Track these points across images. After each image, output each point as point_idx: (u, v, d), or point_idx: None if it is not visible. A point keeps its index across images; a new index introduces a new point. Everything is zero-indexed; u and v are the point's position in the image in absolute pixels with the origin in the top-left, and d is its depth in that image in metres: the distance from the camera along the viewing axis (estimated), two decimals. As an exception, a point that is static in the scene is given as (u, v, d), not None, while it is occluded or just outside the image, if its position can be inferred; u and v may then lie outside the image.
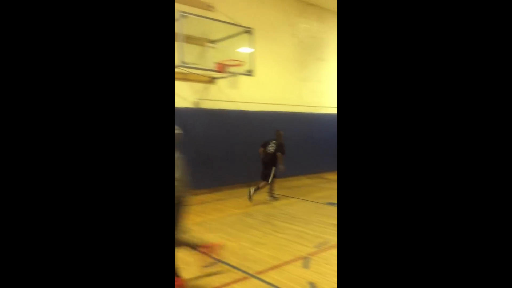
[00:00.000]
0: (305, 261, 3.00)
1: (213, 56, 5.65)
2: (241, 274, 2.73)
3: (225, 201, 5.67)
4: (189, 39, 5.32)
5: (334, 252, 3.24)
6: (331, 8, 8.47)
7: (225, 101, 6.57)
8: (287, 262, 2.97)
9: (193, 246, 2.67)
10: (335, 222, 4.32)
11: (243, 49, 6.05)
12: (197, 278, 2.66)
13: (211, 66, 5.59)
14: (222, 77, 6.02)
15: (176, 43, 4.69)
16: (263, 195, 6.16)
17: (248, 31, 5.86)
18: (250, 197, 5.39)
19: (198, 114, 6.25)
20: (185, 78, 5.94)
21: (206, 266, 2.78)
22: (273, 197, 5.68)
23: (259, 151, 5.77)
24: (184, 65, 5.05)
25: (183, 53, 4.95)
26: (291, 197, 5.95)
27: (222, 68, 5.63)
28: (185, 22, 4.99)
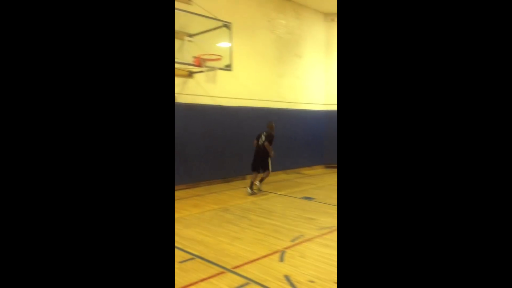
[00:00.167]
0: (281, 254, 3.08)
1: (191, 50, 5.58)
2: (218, 269, 2.77)
3: (202, 197, 5.66)
4: (166, 32, 5.21)
5: (309, 246, 3.34)
6: (309, 5, 8.56)
7: (203, 95, 6.53)
8: (264, 256, 3.04)
9: None
10: (311, 216, 4.44)
11: (222, 44, 6.02)
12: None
13: (189, 60, 5.52)
14: (200, 72, 5.97)
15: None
16: (241, 190, 6.21)
17: (226, 25, 5.83)
18: (259, 190, 5.76)
19: (176, 109, 6.17)
20: (162, 72, 5.82)
21: (182, 262, 2.79)
22: (252, 190, 5.76)
23: (253, 143, 5.96)
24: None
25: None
26: (268, 192, 6.03)
27: (200, 62, 5.58)
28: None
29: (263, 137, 5.78)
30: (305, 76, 8.76)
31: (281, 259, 2.97)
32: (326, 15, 9.18)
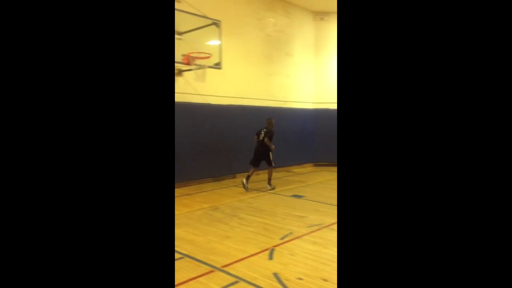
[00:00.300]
0: (270, 252, 3.10)
1: (180, 48, 5.54)
2: (207, 268, 2.77)
3: (192, 196, 5.65)
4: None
5: (298, 243, 3.37)
6: (298, 4, 8.58)
7: (192, 94, 6.49)
8: (253, 255, 3.05)
9: None
10: (300, 214, 4.48)
11: (211, 42, 5.99)
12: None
13: (178, 58, 5.48)
14: (189, 70, 5.93)
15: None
16: (232, 189, 6.21)
17: (215, 23, 5.81)
18: (246, 188, 5.84)
19: (165, 107, 6.12)
20: (151, 70, 5.76)
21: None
22: (245, 186, 5.87)
23: (254, 139, 6.21)
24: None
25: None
26: (258, 190, 6.05)
27: (189, 60, 5.55)
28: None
29: (263, 133, 5.99)
30: (295, 75, 8.79)
31: (270, 257, 2.99)
32: (315, 13, 9.22)
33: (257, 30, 7.76)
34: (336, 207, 4.84)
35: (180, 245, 3.28)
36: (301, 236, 3.57)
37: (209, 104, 6.80)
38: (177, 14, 5.40)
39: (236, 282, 2.52)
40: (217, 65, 5.88)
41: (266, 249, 3.17)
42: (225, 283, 2.50)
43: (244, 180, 5.90)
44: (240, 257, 3.00)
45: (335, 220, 4.14)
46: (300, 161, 8.96)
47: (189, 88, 6.43)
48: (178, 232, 3.69)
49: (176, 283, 2.50)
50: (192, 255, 3.04)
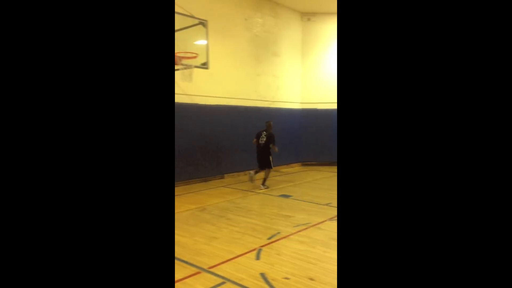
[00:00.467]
0: (257, 253, 3.10)
1: (166, 48, 5.47)
2: (193, 269, 2.75)
3: (180, 197, 5.59)
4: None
5: (285, 243, 3.38)
6: (285, 4, 8.62)
7: (179, 94, 6.43)
8: (240, 255, 3.04)
9: None
10: (287, 213, 4.49)
11: (198, 42, 5.95)
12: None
13: (164, 58, 5.41)
14: (176, 70, 5.87)
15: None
16: (219, 190, 6.18)
17: (202, 23, 5.77)
18: (252, 180, 6.26)
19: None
20: (136, 69, 5.69)
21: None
22: (265, 185, 6.20)
23: (253, 141, 6.39)
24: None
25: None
26: (246, 190, 6.04)
27: (175, 60, 5.49)
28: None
29: (264, 137, 6.18)
30: (282, 75, 8.82)
31: (257, 257, 2.99)
32: (302, 14, 9.28)
33: (245, 30, 7.76)
34: (323, 206, 4.88)
35: (166, 247, 3.24)
36: (288, 235, 3.58)
37: (196, 104, 6.76)
38: (163, 13, 5.33)
39: (222, 283, 2.50)
40: (204, 65, 5.84)
41: (253, 249, 3.17)
42: (212, 284, 2.48)
43: (262, 186, 6.21)
44: (227, 257, 2.99)
45: (322, 219, 4.17)
46: (288, 161, 8.99)
47: (176, 88, 6.37)
48: (165, 233, 3.64)
49: (161, 285, 2.47)
50: (178, 256, 3.01)
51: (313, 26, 9.31)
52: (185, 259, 2.95)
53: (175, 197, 5.57)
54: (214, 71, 6.63)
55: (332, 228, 3.84)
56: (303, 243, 3.34)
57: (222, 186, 6.48)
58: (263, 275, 2.62)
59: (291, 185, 6.57)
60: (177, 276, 2.62)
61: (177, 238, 3.53)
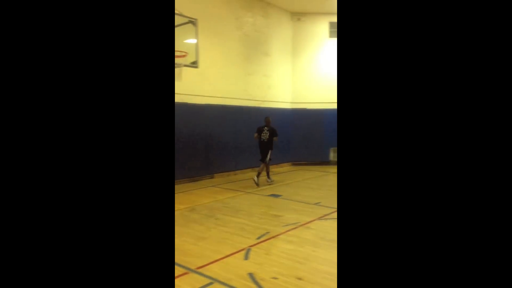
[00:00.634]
0: (246, 253, 3.08)
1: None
2: (181, 270, 2.71)
3: (168, 196, 5.53)
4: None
5: (274, 242, 3.37)
6: (276, 4, 8.62)
7: (169, 93, 6.36)
8: (228, 255, 3.02)
9: None
10: (277, 213, 4.49)
11: (187, 41, 5.90)
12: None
13: (153, 56, 5.35)
14: (165, 69, 5.80)
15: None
16: (209, 189, 6.14)
17: (192, 22, 5.72)
18: (257, 184, 6.26)
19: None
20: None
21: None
22: (270, 179, 6.58)
23: (254, 136, 6.55)
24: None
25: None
26: (236, 190, 6.02)
27: (164, 59, 5.43)
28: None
29: (266, 132, 6.39)
30: (273, 75, 8.83)
31: (246, 257, 2.98)
32: (293, 14, 9.30)
33: (235, 29, 7.73)
34: (313, 205, 4.90)
35: (153, 248, 3.20)
36: (277, 235, 3.58)
37: (186, 103, 6.70)
38: (151, 11, 5.27)
39: (210, 284, 2.48)
40: (194, 64, 5.79)
41: (242, 249, 3.15)
42: (199, 285, 2.46)
43: (268, 179, 6.51)
44: (215, 258, 2.96)
45: (311, 218, 4.18)
46: (278, 161, 9.00)
47: (165, 87, 6.30)
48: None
49: (148, 286, 2.44)
50: (166, 257, 2.97)
51: (304, 26, 9.34)
52: (173, 260, 2.92)
53: (164, 197, 5.51)
54: (204, 70, 6.59)
55: (321, 227, 3.86)
56: (292, 243, 3.34)
57: (212, 186, 6.45)
58: (251, 275, 2.60)
59: (281, 185, 6.58)
60: (164, 277, 2.59)
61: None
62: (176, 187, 6.33)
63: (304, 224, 3.97)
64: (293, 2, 8.63)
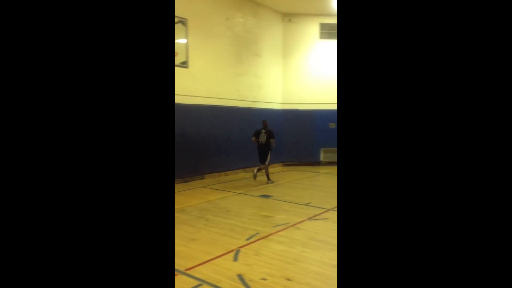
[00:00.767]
0: (236, 254, 3.07)
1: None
2: (170, 272, 2.69)
3: (158, 198, 5.48)
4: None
5: (263, 243, 3.37)
6: (266, 4, 8.63)
7: (159, 93, 6.31)
8: (218, 256, 3.01)
9: None
10: (267, 213, 4.49)
11: (177, 40, 5.86)
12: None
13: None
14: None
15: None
16: (199, 190, 6.11)
17: (182, 21, 5.69)
18: (255, 177, 6.58)
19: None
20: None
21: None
22: (270, 180, 6.70)
23: (252, 140, 6.75)
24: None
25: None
26: (227, 191, 6.00)
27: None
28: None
29: (263, 135, 6.55)
30: (264, 75, 8.83)
31: (236, 258, 2.97)
32: (283, 15, 9.33)
33: (226, 29, 7.71)
34: (303, 206, 4.91)
35: (142, 250, 3.16)
36: (267, 236, 3.58)
37: (176, 103, 6.65)
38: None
39: (199, 285, 2.46)
40: (184, 64, 5.76)
41: (232, 251, 3.14)
42: (188, 287, 2.44)
43: (268, 181, 6.66)
44: (205, 259, 2.95)
45: (302, 219, 4.20)
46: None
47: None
48: (141, 236, 3.56)
49: (136, 289, 2.41)
50: (154, 259, 2.94)
51: (294, 27, 9.38)
52: (161, 262, 2.89)
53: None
54: (194, 70, 6.56)
55: (310, 227, 3.87)
56: (282, 243, 3.34)
57: (202, 187, 6.42)
58: (240, 276, 2.60)
59: (272, 185, 6.59)
60: (153, 279, 2.56)
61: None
62: (166, 188, 6.27)
63: (294, 224, 3.98)
64: (284, 3, 8.65)
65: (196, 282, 2.51)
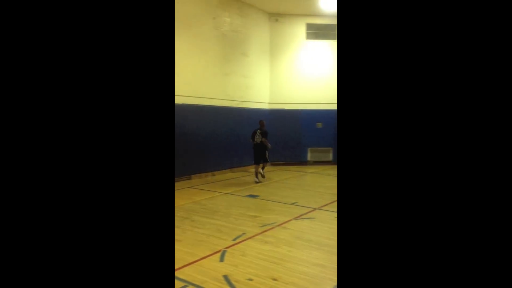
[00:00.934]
0: (222, 254, 3.05)
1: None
2: (154, 274, 2.65)
3: (143, 199, 5.40)
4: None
5: (250, 244, 3.36)
6: (253, 4, 8.62)
7: (144, 93, 6.22)
8: (204, 257, 2.98)
9: None
10: (254, 213, 4.48)
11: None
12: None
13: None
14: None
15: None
16: (186, 191, 6.05)
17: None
18: (263, 176, 6.93)
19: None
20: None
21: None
22: (263, 176, 6.94)
23: (249, 141, 6.94)
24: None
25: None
26: (214, 191, 5.96)
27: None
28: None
29: (258, 135, 6.71)
30: (251, 75, 8.82)
31: (222, 259, 2.94)
32: (270, 15, 9.33)
33: (212, 29, 7.66)
34: (290, 205, 4.92)
35: (126, 252, 3.10)
36: (253, 236, 3.56)
37: (162, 103, 6.57)
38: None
39: (184, 287, 2.43)
40: (170, 63, 5.69)
41: (218, 251, 3.12)
42: (173, 289, 2.40)
43: (255, 179, 6.77)
44: (190, 260, 2.91)
45: (288, 218, 4.20)
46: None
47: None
48: (125, 237, 3.49)
49: (118, 292, 2.36)
50: (138, 261, 2.89)
51: (281, 27, 9.40)
52: (146, 264, 2.84)
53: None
54: (181, 69, 6.49)
55: (297, 227, 3.88)
56: (268, 243, 3.34)
57: (189, 187, 6.36)
58: (226, 277, 2.57)
59: (259, 185, 6.58)
60: (136, 282, 2.51)
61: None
62: (152, 188, 6.19)
63: (281, 224, 3.98)
64: (270, 3, 8.66)
65: (181, 284, 2.48)
